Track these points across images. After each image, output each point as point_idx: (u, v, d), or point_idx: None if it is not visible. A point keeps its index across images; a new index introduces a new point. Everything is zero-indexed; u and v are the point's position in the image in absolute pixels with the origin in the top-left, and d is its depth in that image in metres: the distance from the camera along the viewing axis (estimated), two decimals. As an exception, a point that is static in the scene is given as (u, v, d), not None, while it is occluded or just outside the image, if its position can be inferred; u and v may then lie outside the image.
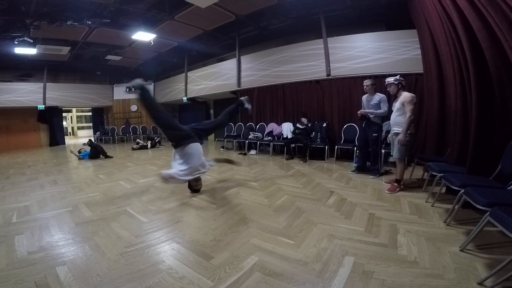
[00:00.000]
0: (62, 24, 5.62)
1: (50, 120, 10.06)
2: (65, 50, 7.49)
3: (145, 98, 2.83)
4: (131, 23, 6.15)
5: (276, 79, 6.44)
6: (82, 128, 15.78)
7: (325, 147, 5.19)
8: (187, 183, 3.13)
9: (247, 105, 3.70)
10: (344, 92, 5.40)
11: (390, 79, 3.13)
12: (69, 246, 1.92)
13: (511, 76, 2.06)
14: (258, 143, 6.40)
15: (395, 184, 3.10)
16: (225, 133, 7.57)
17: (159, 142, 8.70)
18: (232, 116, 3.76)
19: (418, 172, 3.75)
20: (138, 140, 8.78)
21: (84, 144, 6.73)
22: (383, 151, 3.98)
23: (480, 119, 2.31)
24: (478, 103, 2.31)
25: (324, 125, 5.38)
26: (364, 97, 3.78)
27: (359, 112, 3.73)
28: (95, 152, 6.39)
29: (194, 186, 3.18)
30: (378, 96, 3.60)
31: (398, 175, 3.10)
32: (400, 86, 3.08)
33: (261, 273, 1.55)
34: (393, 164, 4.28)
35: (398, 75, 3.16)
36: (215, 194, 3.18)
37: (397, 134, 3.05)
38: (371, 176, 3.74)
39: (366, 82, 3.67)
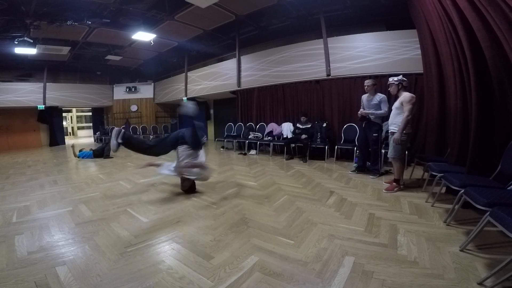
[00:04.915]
0: (62, 24, 5.62)
1: (50, 120, 10.06)
2: (65, 50, 7.49)
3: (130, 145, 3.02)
4: (131, 23, 6.15)
5: (276, 79, 6.44)
6: (82, 128, 15.79)
7: (325, 147, 5.19)
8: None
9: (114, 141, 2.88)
10: (344, 92, 5.40)
11: (392, 79, 3.14)
12: (69, 246, 1.92)
13: (511, 76, 2.06)
14: (258, 143, 6.40)
15: (394, 183, 3.10)
16: (225, 133, 7.57)
17: None
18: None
19: (418, 172, 3.74)
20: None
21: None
22: (383, 151, 3.98)
23: (480, 119, 2.31)
24: (478, 103, 2.30)
25: (324, 125, 5.38)
26: (364, 96, 3.78)
27: (359, 112, 3.73)
28: (101, 150, 6.43)
29: (183, 187, 3.22)
30: (379, 96, 3.60)
31: (396, 174, 3.10)
32: (400, 87, 3.09)
33: (261, 273, 1.55)
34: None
35: (401, 76, 3.16)
36: (215, 194, 3.18)
37: (393, 133, 3.06)
38: (371, 176, 3.74)
39: (367, 82, 3.67)
